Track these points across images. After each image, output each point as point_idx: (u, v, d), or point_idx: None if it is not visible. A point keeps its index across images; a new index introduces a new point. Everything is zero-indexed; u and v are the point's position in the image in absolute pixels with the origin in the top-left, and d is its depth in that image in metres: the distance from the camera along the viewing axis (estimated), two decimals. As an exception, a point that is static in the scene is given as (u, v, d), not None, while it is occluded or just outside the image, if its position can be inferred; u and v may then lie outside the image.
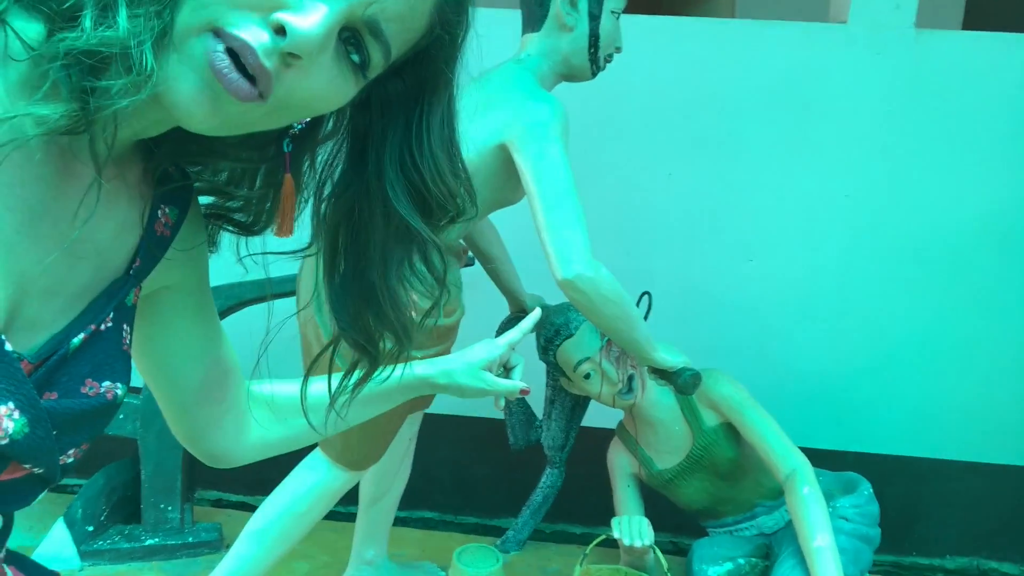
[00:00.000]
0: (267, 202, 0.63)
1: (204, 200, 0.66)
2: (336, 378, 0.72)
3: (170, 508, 2.10)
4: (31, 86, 0.48)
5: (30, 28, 0.48)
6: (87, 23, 0.46)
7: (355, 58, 0.53)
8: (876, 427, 2.37)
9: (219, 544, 2.11)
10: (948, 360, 2.30)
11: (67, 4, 0.47)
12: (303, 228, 0.65)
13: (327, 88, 0.52)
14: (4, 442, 0.49)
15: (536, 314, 1.06)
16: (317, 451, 1.62)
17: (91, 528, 2.04)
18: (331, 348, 0.68)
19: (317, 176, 0.63)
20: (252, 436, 0.79)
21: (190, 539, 2.09)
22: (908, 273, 2.26)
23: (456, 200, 0.62)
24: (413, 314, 0.66)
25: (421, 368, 0.90)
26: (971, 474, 2.35)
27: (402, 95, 0.59)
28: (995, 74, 2.15)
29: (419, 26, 0.55)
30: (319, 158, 0.62)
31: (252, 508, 2.04)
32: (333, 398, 0.71)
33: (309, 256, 0.65)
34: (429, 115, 0.59)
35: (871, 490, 1.84)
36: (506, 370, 1.00)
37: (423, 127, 0.59)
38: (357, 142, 0.62)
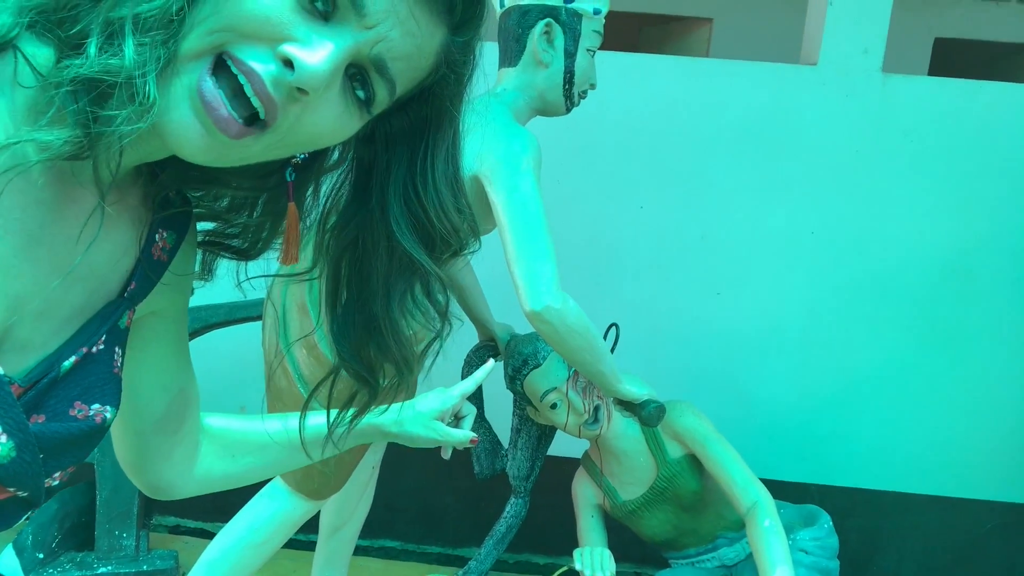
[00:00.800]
0: (264, 230, 0.63)
1: (201, 227, 0.66)
2: (318, 406, 0.71)
3: (125, 535, 2.05)
4: (37, 111, 0.48)
5: (40, 53, 0.48)
6: (92, 51, 0.46)
7: (360, 94, 0.53)
8: (839, 460, 2.40)
9: (175, 573, 2.07)
10: (909, 395, 2.34)
11: (73, 31, 0.47)
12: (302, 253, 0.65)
13: (332, 123, 0.53)
14: None
15: (489, 365, 1.07)
16: (277, 480, 1.59)
17: (41, 555, 1.99)
18: (332, 377, 0.68)
19: (321, 206, 0.63)
20: (198, 470, 0.78)
21: (145, 567, 2.04)
22: (871, 309, 2.30)
23: (459, 235, 0.62)
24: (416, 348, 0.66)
25: (369, 416, 0.90)
26: (931, 507, 2.39)
27: (407, 130, 0.60)
28: (958, 119, 2.21)
29: (425, 65, 0.56)
30: (323, 187, 0.63)
31: (210, 535, 2.01)
32: (331, 429, 0.71)
33: (311, 280, 0.65)
34: (433, 151, 0.60)
35: (831, 523, 1.86)
36: (457, 419, 1.00)
37: (427, 163, 0.60)
38: (362, 174, 0.62)
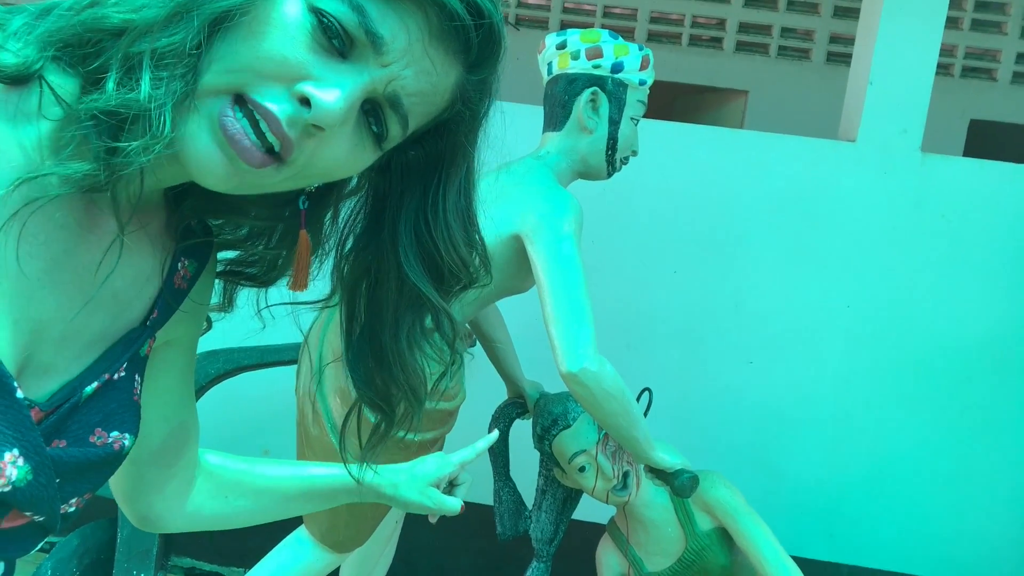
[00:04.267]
0: (280, 258, 0.64)
1: (221, 256, 0.67)
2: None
3: (143, 574, 2.03)
4: (58, 143, 0.49)
5: (64, 84, 0.49)
6: (110, 85, 0.47)
7: (375, 129, 0.54)
8: (869, 541, 2.33)
9: (189, 616, 2.04)
10: (942, 479, 2.28)
11: (95, 66, 0.48)
12: (324, 280, 0.65)
13: (346, 157, 0.54)
14: (6, 489, 0.48)
15: (493, 437, 1.05)
16: (302, 529, 1.58)
17: (59, 590, 1.97)
18: (355, 410, 0.68)
19: (339, 232, 0.64)
20: (189, 507, 0.76)
21: (159, 609, 2.02)
22: (906, 388, 2.26)
23: (469, 269, 0.63)
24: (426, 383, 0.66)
25: (368, 474, 0.89)
26: (963, 597, 2.30)
27: (421, 163, 0.61)
28: (995, 201, 2.21)
29: (440, 101, 0.56)
30: (342, 214, 0.63)
31: (226, 580, 1.98)
32: (364, 454, 0.71)
33: (329, 307, 0.66)
34: (446, 185, 0.60)
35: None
36: (451, 486, 0.98)
37: (439, 196, 0.60)
38: (376, 203, 0.63)
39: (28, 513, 0.51)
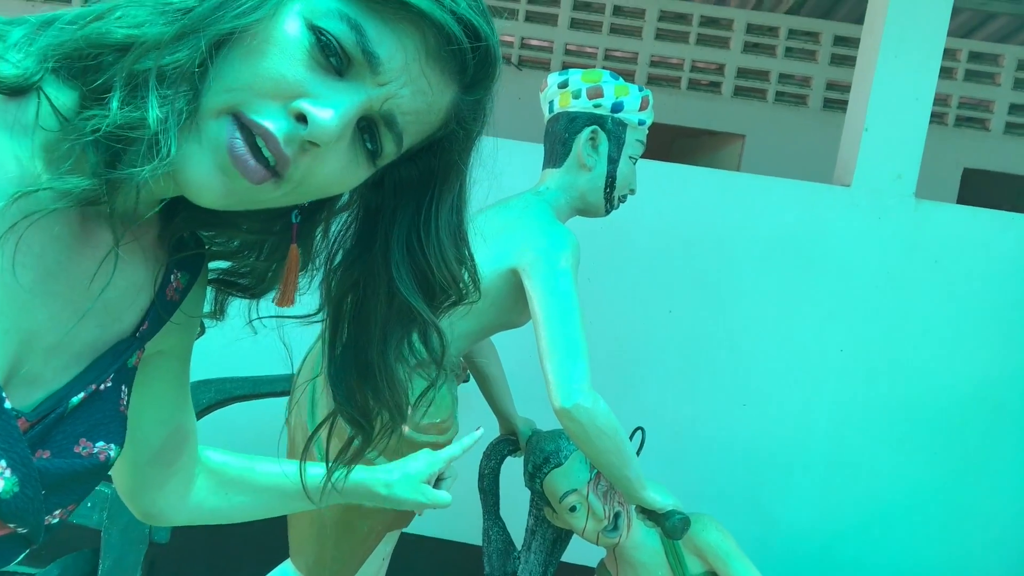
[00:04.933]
0: (270, 270, 0.64)
1: (214, 265, 0.67)
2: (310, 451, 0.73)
3: (122, 606, 1.98)
4: (57, 154, 0.49)
5: (62, 96, 0.50)
6: (115, 104, 0.47)
7: (369, 146, 0.55)
8: (863, 589, 2.30)
9: (167, 652, 1.99)
10: (936, 525, 2.26)
11: (97, 83, 0.48)
12: (314, 295, 0.65)
13: (341, 173, 0.54)
14: None
15: (478, 433, 1.07)
16: (287, 563, 1.55)
17: (36, 621, 1.92)
18: (330, 422, 0.68)
19: (329, 247, 0.64)
20: (191, 501, 0.78)
21: (137, 643, 1.97)
22: (899, 433, 2.26)
23: (459, 285, 0.63)
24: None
25: (359, 474, 0.89)
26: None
27: (414, 180, 0.61)
28: (988, 248, 2.23)
29: (435, 120, 0.57)
30: (332, 229, 0.64)
31: (208, 615, 1.94)
32: (329, 472, 0.71)
33: (315, 323, 0.65)
34: (439, 202, 0.61)
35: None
36: (438, 480, 1.00)
37: (432, 213, 0.61)
38: (368, 219, 0.63)
39: (12, 525, 0.50)
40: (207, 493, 0.79)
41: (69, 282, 0.52)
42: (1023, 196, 4.48)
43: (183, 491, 0.77)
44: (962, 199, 4.05)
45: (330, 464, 0.71)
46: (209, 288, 0.67)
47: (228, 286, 0.66)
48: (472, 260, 0.64)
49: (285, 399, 1.61)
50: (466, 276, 0.64)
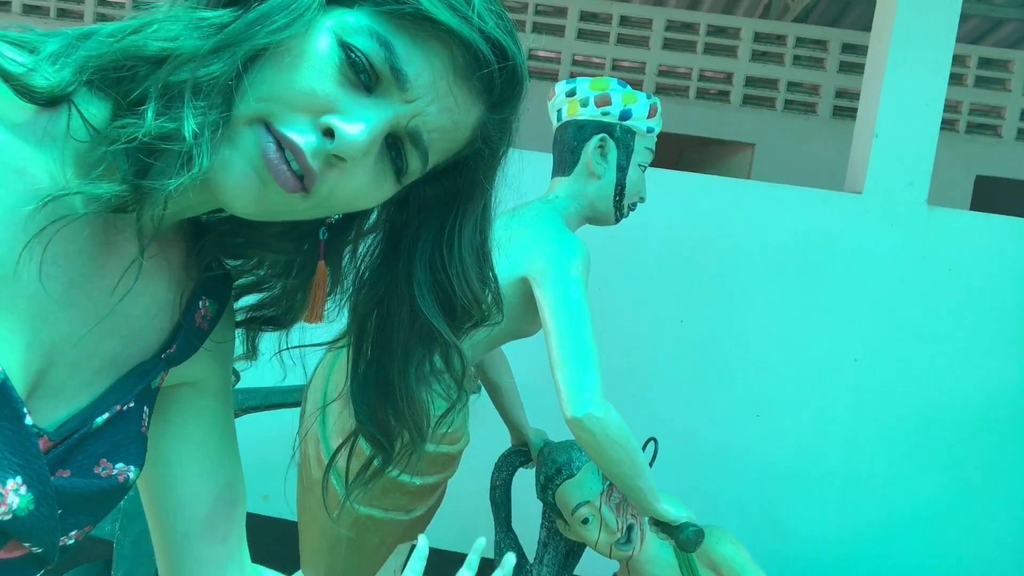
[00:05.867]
0: (298, 294, 0.64)
1: (238, 305, 0.67)
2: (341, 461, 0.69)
3: (133, 621, 1.98)
4: (87, 163, 0.49)
5: (93, 107, 0.50)
6: (150, 115, 0.48)
7: (396, 163, 0.55)
8: (880, 604, 2.26)
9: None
10: (954, 535, 2.23)
11: (133, 95, 0.49)
12: (334, 323, 0.65)
13: (367, 188, 0.54)
14: (7, 518, 0.47)
15: (478, 544, 0.90)
16: (299, 574, 1.54)
17: (46, 635, 1.92)
18: (351, 442, 0.67)
19: (356, 265, 0.64)
20: None
21: (147, 658, 1.96)
22: (914, 442, 2.23)
23: (481, 306, 0.62)
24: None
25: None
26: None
27: (439, 198, 0.61)
28: (1001, 254, 2.21)
29: (461, 139, 0.57)
30: (359, 249, 0.64)
31: (218, 630, 1.92)
32: (348, 491, 0.69)
33: (340, 348, 0.65)
34: (462, 221, 0.61)
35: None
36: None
37: (455, 231, 0.61)
38: (393, 236, 0.63)
39: (27, 544, 0.50)
40: None
41: (92, 295, 0.52)
42: (1036, 203, 4.45)
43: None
44: (975, 206, 4.02)
45: (349, 483, 0.69)
46: (239, 330, 0.66)
47: (257, 323, 0.66)
48: (496, 281, 0.64)
49: (297, 410, 1.61)
50: (489, 297, 0.63)
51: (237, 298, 0.66)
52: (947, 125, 3.92)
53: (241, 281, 0.66)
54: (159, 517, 0.66)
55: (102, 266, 0.53)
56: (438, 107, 0.53)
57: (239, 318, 0.66)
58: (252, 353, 0.66)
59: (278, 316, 0.65)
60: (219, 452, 0.67)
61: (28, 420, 0.48)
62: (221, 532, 0.67)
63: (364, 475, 0.68)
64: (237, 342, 0.67)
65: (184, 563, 0.66)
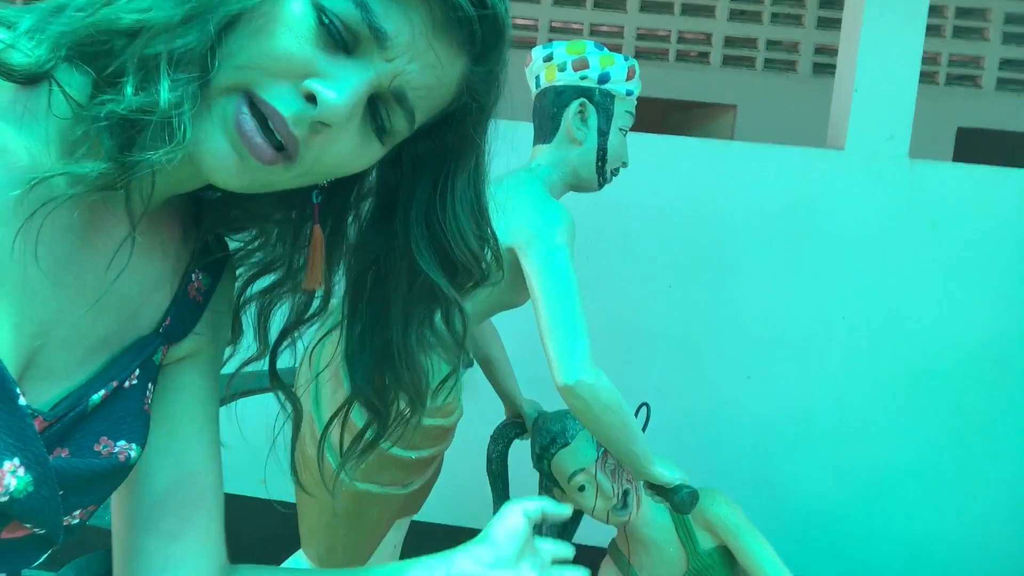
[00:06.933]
0: (298, 259, 0.63)
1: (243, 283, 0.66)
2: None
3: (135, 609, 1.98)
4: (71, 142, 0.48)
5: (74, 82, 0.49)
6: (128, 90, 0.47)
7: (381, 123, 0.54)
8: (872, 557, 2.30)
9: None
10: (946, 488, 2.26)
11: (110, 70, 0.48)
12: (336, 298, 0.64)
13: (353, 153, 0.54)
14: (4, 499, 0.46)
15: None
16: (299, 554, 1.55)
17: (50, 627, 1.92)
18: (347, 407, 0.66)
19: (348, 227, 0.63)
20: None
21: (153, 644, 1.97)
22: (904, 397, 2.25)
23: (480, 264, 0.62)
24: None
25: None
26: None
27: (431, 155, 0.60)
28: (985, 205, 2.21)
29: (446, 94, 0.56)
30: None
31: (222, 613, 1.94)
32: (342, 462, 0.68)
33: (330, 328, 0.63)
34: (455, 177, 0.60)
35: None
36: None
37: (448, 188, 0.60)
38: (387, 196, 0.62)
39: (29, 525, 0.49)
40: None
41: (80, 273, 0.52)
42: (1019, 152, 4.46)
43: None
44: (957, 158, 4.03)
45: (344, 454, 0.68)
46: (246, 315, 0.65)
47: (256, 270, 0.64)
48: (495, 239, 0.63)
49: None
50: (488, 255, 0.62)
51: (239, 262, 0.65)
52: (927, 77, 3.91)
53: (239, 255, 0.65)
54: (116, 498, 0.61)
55: (89, 244, 0.52)
56: (420, 64, 0.53)
57: (245, 294, 0.65)
58: (239, 333, 0.65)
59: (283, 281, 0.64)
60: (192, 435, 0.61)
61: (22, 401, 0.48)
62: (170, 528, 0.59)
63: (358, 445, 0.67)
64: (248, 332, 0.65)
65: (128, 555, 0.60)
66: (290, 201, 0.62)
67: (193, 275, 0.61)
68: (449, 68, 0.55)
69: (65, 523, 0.52)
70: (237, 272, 0.65)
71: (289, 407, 0.66)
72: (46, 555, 0.54)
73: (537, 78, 1.60)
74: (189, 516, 0.60)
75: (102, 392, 0.53)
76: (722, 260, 2.26)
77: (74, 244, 0.51)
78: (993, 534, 2.25)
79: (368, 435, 0.67)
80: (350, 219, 0.63)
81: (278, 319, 0.65)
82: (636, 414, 1.66)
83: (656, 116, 4.44)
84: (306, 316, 0.64)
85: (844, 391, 2.26)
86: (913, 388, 2.24)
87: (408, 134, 0.56)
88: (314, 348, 1.46)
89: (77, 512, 0.53)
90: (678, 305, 2.26)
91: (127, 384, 0.55)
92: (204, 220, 0.61)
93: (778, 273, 2.25)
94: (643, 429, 1.65)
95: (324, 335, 0.68)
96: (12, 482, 0.46)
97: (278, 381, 0.65)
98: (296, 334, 0.65)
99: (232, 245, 0.66)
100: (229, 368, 0.67)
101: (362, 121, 0.53)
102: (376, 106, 0.53)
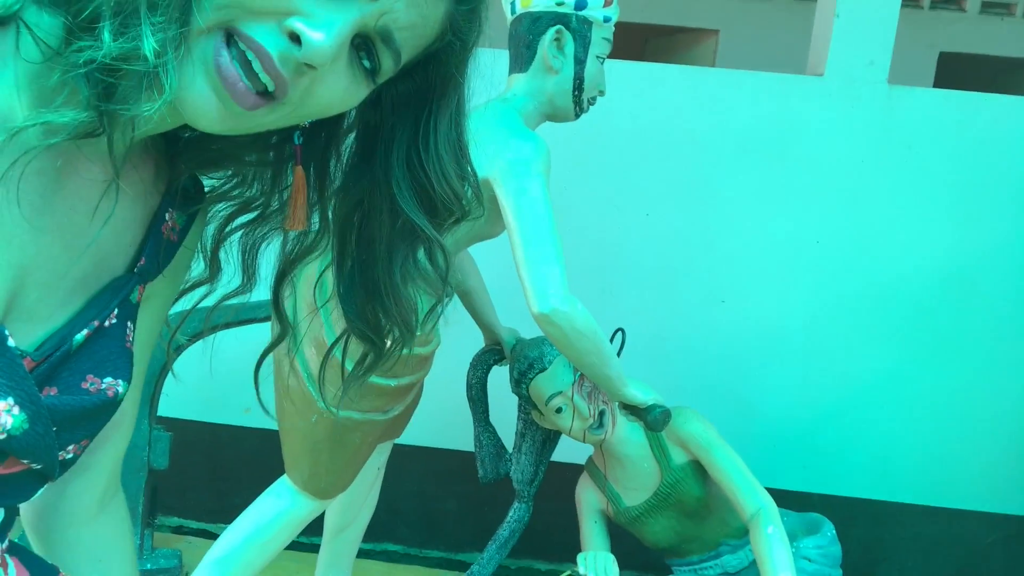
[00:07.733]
0: (277, 199, 0.63)
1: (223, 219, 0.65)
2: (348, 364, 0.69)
3: (128, 533, 2.05)
4: (43, 87, 0.48)
5: (43, 24, 0.48)
6: (107, 36, 0.45)
7: (367, 64, 0.54)
8: (841, 469, 2.40)
9: (178, 572, 2.06)
10: (911, 405, 2.34)
11: (85, 14, 0.46)
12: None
13: (340, 93, 0.53)
14: (2, 437, 0.48)
15: None
16: (284, 479, 1.60)
17: (45, 550, 1.99)
18: (344, 341, 0.67)
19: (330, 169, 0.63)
20: (97, 530, 0.69)
21: (148, 566, 2.04)
22: (874, 319, 2.31)
23: (461, 201, 0.62)
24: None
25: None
26: (933, 518, 2.38)
27: (412, 95, 0.60)
28: (962, 131, 2.23)
29: (431, 33, 0.56)
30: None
31: (213, 536, 2.00)
32: (346, 386, 0.70)
33: (307, 262, 0.65)
34: (437, 116, 0.60)
35: (834, 531, 1.86)
36: None
37: (430, 127, 0.60)
38: (368, 137, 0.62)
39: (26, 461, 0.51)
40: (100, 541, 0.70)
41: (55, 216, 0.52)
42: (1001, 76, 4.44)
43: (81, 506, 0.67)
44: (939, 83, 4.02)
45: (345, 378, 0.70)
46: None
47: (238, 231, 0.64)
48: (475, 176, 0.63)
49: (268, 324, 1.62)
50: (469, 192, 0.63)
51: (216, 201, 0.65)
52: (910, 2, 3.86)
53: (214, 195, 0.65)
54: None
55: (62, 187, 0.52)
56: (405, 2, 0.52)
57: (227, 228, 0.65)
58: (218, 270, 0.65)
59: (264, 216, 0.64)
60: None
61: (11, 342, 0.49)
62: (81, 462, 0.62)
63: (358, 370, 0.68)
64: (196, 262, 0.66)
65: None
66: (267, 141, 0.61)
67: (167, 214, 0.61)
68: (433, 7, 0.54)
69: (60, 458, 0.54)
70: (215, 208, 0.65)
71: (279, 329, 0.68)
72: (42, 489, 0.56)
73: (512, 3, 1.56)
74: (107, 434, 0.63)
75: (84, 331, 0.54)
76: (698, 186, 2.27)
77: (48, 187, 0.51)
78: (956, 447, 2.35)
79: (368, 361, 0.68)
80: (332, 161, 0.63)
81: (267, 258, 0.66)
82: (612, 339, 1.70)
83: (638, 42, 4.37)
84: (300, 253, 0.65)
85: (816, 312, 2.31)
86: (883, 309, 2.30)
87: (392, 74, 0.56)
88: (317, 281, 1.48)
89: (71, 447, 0.54)
90: (654, 232, 2.29)
91: (107, 323, 0.56)
92: (178, 159, 0.60)
93: (754, 198, 2.27)
94: (618, 353, 1.69)
95: (325, 268, 0.69)
96: (8, 420, 0.48)
97: (279, 312, 0.67)
98: (293, 273, 0.66)
99: (207, 183, 0.66)
100: (209, 301, 0.68)
101: (348, 61, 0.52)
102: (361, 46, 0.53)
